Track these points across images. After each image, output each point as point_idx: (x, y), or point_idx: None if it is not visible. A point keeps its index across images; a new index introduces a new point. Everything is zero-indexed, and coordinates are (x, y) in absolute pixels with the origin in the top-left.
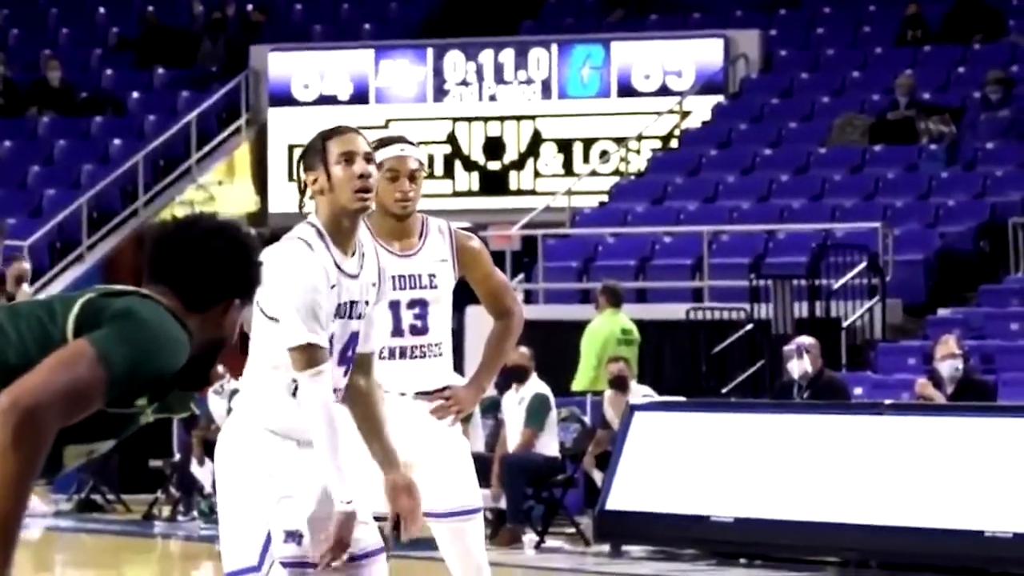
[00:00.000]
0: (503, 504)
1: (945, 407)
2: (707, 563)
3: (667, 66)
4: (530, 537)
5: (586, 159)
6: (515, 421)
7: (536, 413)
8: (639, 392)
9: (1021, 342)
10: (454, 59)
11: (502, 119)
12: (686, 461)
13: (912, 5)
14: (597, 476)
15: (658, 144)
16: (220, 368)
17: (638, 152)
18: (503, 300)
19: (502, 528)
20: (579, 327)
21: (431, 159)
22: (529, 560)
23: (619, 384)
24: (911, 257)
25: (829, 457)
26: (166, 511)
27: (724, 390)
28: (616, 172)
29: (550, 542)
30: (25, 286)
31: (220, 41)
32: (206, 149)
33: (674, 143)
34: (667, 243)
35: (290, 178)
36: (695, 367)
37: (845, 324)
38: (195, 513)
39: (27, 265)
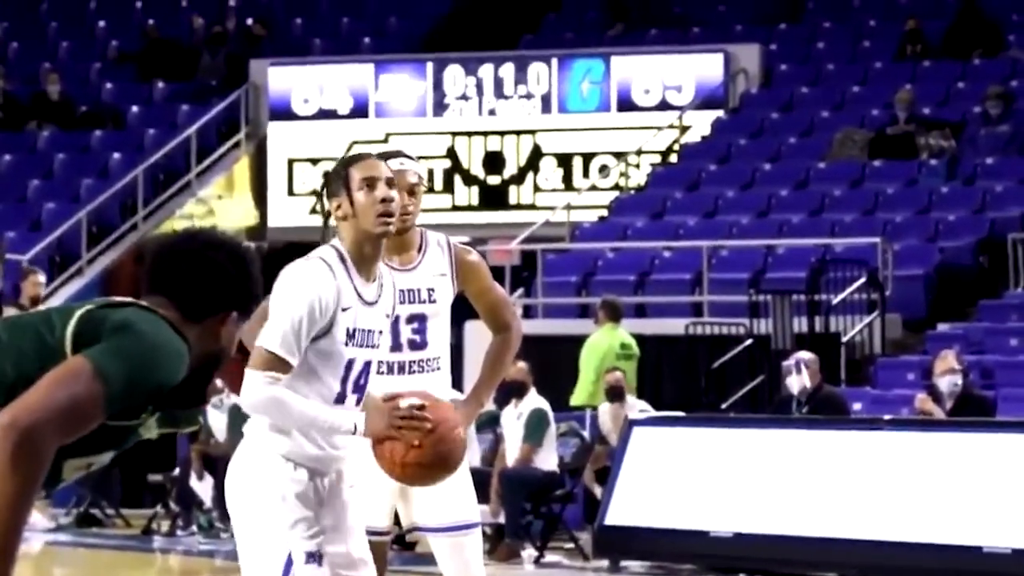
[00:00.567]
0: (502, 519)
1: (944, 422)
2: None
3: (667, 81)
4: (529, 552)
5: (586, 174)
6: (514, 436)
7: (535, 428)
8: (636, 407)
9: (1020, 357)
10: (454, 73)
11: (502, 134)
12: (685, 476)
13: (911, 20)
14: (597, 491)
15: (658, 159)
16: (219, 382)
17: (638, 167)
18: (502, 315)
19: (501, 543)
20: (578, 342)
21: (431, 174)
22: (528, 575)
23: (615, 395)
24: (911, 272)
25: (828, 472)
26: (165, 526)
27: (723, 405)
28: (616, 187)
29: (549, 557)
30: (41, 308)
31: (220, 55)
32: (206, 163)
33: (674, 158)
34: (666, 258)
35: (290, 192)
36: (694, 382)
37: (844, 339)
38: (194, 528)
39: (42, 278)
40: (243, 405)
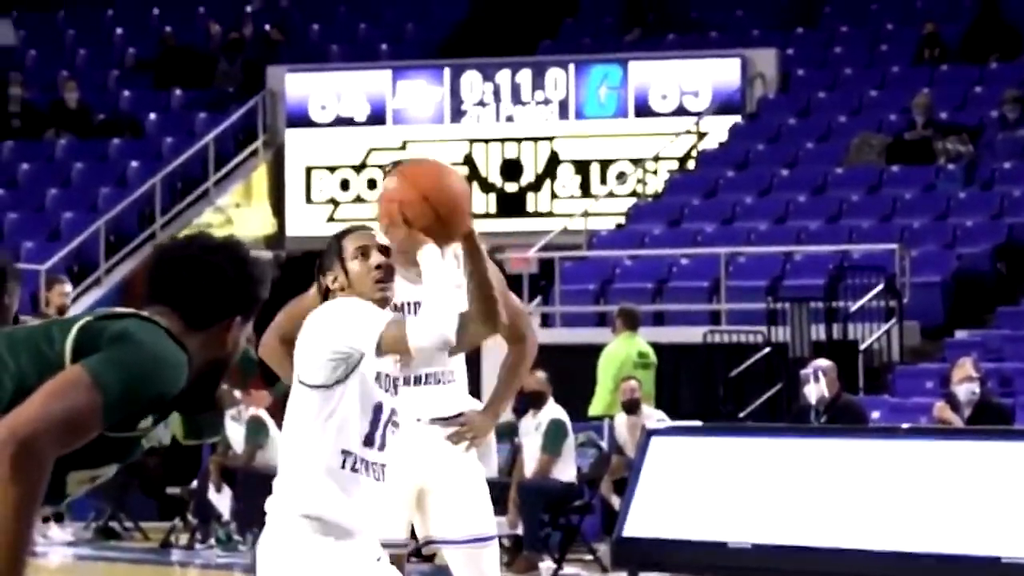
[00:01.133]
0: (520, 530)
1: (963, 431)
2: None
3: (684, 86)
4: (547, 564)
5: (603, 180)
6: (532, 446)
7: (553, 438)
8: (653, 417)
9: None
10: (471, 79)
11: (519, 140)
12: (703, 486)
13: (929, 24)
14: (615, 502)
15: (675, 165)
16: (238, 393)
17: (655, 173)
18: (517, 325)
19: (519, 555)
20: (597, 351)
21: None
22: None
23: (631, 406)
24: (928, 279)
25: (847, 482)
26: (184, 539)
27: (741, 414)
28: (633, 193)
29: (567, 569)
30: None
31: (237, 62)
32: (224, 171)
33: (691, 164)
34: (684, 265)
35: (307, 200)
36: (712, 391)
37: (862, 347)
38: (212, 541)
39: (69, 288)
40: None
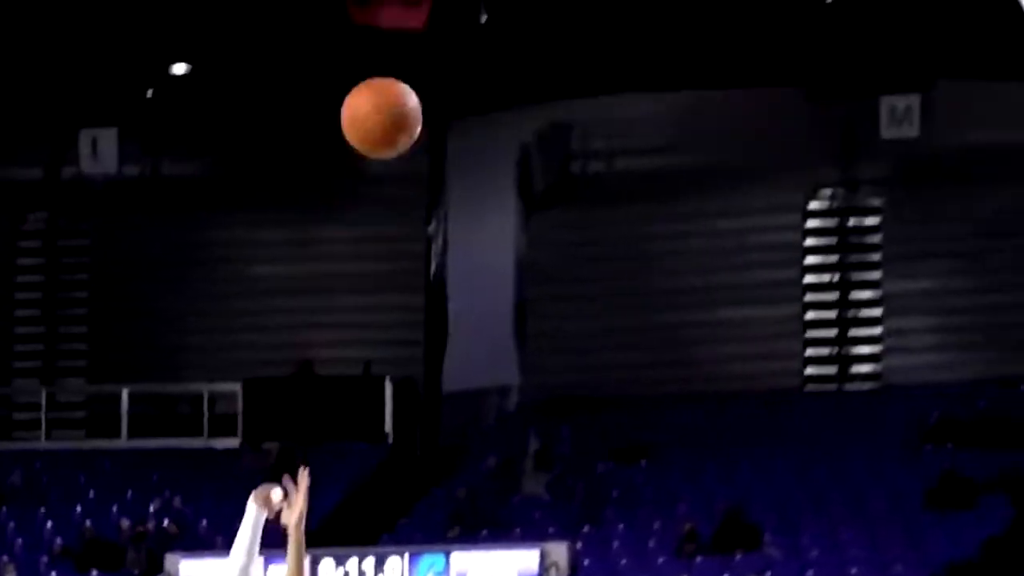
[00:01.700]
0: None
1: None
2: None
3: (495, 572)
4: None
5: None
6: None
7: None
8: None
9: None
10: (327, 564)
11: None
12: None
13: (688, 524)
14: None
15: None
16: None
17: None
18: None
19: None
20: None
21: None
22: None
23: None
24: None
25: None
26: None
27: None
28: None
29: None
30: None
31: (142, 550)
32: None
33: None
34: None
35: None
36: None
37: None
38: None
39: None
40: None
